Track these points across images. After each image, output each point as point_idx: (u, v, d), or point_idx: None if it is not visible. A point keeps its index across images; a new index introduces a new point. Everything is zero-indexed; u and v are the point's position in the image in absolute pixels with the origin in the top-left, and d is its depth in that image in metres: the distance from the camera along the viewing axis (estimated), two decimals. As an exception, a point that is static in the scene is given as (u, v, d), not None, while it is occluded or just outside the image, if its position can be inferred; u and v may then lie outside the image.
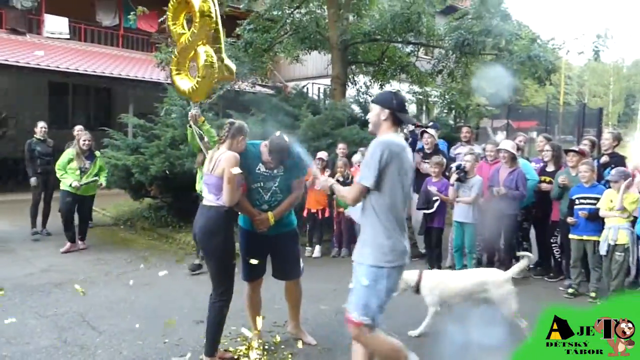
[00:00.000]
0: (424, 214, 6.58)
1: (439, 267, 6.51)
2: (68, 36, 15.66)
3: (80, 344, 4.15)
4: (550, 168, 6.42)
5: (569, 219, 5.70)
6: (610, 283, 5.42)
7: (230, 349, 4.09)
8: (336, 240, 7.41)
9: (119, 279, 5.99)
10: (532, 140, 17.11)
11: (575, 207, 5.69)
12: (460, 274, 4.73)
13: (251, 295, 4.13)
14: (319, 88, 16.36)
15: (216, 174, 3.56)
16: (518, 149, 6.43)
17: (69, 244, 7.25)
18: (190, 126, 5.34)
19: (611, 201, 5.38)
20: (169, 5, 5.17)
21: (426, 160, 7.00)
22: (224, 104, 10.18)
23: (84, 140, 7.32)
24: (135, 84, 13.71)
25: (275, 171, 3.88)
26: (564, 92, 42.72)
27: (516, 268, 4.59)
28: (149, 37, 16.60)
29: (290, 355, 4.03)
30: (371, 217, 3.02)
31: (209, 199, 3.64)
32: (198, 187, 6.08)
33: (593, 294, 5.60)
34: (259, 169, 3.85)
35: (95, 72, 12.92)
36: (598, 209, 5.49)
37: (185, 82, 4.97)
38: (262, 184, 3.86)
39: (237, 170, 3.48)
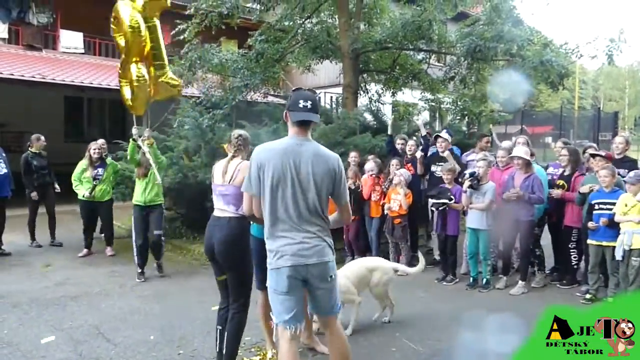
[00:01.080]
0: (439, 220, 6.52)
1: (454, 275, 6.46)
2: (83, 51, 15.88)
3: (96, 356, 4.16)
4: (567, 172, 6.34)
5: (590, 224, 5.62)
6: (627, 288, 5.33)
7: (245, 359, 4.07)
8: (348, 248, 7.41)
9: (133, 291, 6.01)
10: (547, 145, 17.00)
11: (595, 212, 5.61)
12: (356, 262, 5.15)
13: (266, 305, 4.08)
14: (331, 97, 16.38)
15: (236, 183, 3.56)
16: (531, 154, 6.35)
17: (85, 250, 7.70)
18: (134, 140, 6.20)
19: (626, 205, 5.29)
20: (112, 17, 5.58)
21: (440, 163, 6.99)
22: (236, 115, 10.23)
23: (94, 150, 7.64)
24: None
25: None
26: (579, 97, 42.35)
27: (402, 266, 5.46)
28: (162, 50, 16.79)
29: (304, 366, 4.00)
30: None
31: (229, 210, 3.62)
32: (142, 197, 6.49)
33: (611, 300, 5.51)
34: None
35: (109, 85, 13.07)
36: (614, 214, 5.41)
37: (128, 92, 5.37)
38: None
39: None
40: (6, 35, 14.74)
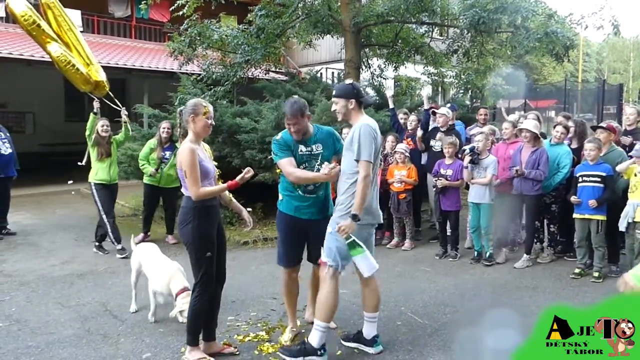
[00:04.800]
0: (438, 198, 6.51)
1: (457, 249, 6.47)
2: (81, 29, 15.67)
3: (103, 332, 4.20)
4: (574, 145, 6.28)
5: (573, 199, 5.61)
6: (633, 261, 5.32)
7: (251, 334, 4.10)
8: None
9: (140, 268, 6.03)
10: (550, 119, 16.87)
11: (579, 184, 5.61)
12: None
13: (287, 282, 4.08)
14: (332, 72, 16.24)
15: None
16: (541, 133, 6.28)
17: (141, 234, 7.12)
18: (94, 114, 6.65)
19: (635, 175, 5.26)
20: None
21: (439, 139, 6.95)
22: (237, 91, 10.15)
23: (164, 128, 7.05)
24: (149, 74, 13.74)
25: (314, 148, 3.84)
26: (582, 70, 41.93)
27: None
28: (162, 27, 16.63)
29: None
30: (353, 187, 3.50)
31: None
32: (108, 176, 6.63)
33: (596, 274, 5.53)
34: (301, 151, 3.81)
35: (109, 63, 12.95)
36: (604, 187, 5.44)
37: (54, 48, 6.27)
38: (306, 164, 3.82)
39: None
40: (3, 14, 14.57)
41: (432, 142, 7.19)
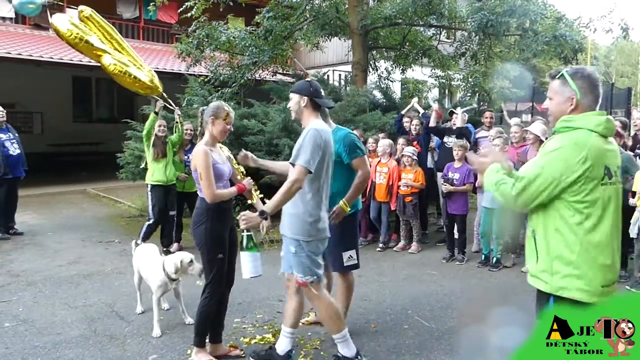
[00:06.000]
0: (446, 201, 6.50)
1: (464, 253, 6.43)
2: (89, 30, 15.79)
3: (110, 334, 4.20)
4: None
5: None
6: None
7: (257, 336, 4.09)
8: (360, 230, 7.40)
9: (146, 269, 6.04)
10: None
11: None
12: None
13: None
14: (339, 75, 16.23)
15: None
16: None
17: (176, 244, 6.94)
18: (156, 113, 6.46)
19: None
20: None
21: (452, 136, 6.98)
22: (244, 93, 10.16)
23: (186, 130, 6.94)
24: (157, 76, 13.75)
25: None
26: (590, 73, 41.65)
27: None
28: (169, 28, 16.67)
29: (318, 342, 4.02)
30: (302, 196, 3.27)
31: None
32: (164, 177, 6.51)
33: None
34: None
35: (117, 64, 13.00)
36: None
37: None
38: None
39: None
40: (13, 15, 14.68)
41: (445, 139, 7.24)
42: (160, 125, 6.58)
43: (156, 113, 6.57)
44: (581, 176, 2.14)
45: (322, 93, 3.46)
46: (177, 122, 6.77)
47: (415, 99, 8.81)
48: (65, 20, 6.04)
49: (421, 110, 8.02)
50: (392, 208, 6.95)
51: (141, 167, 6.73)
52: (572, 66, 2.40)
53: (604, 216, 2.19)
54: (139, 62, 6.48)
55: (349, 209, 3.78)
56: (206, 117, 3.51)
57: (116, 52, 6.27)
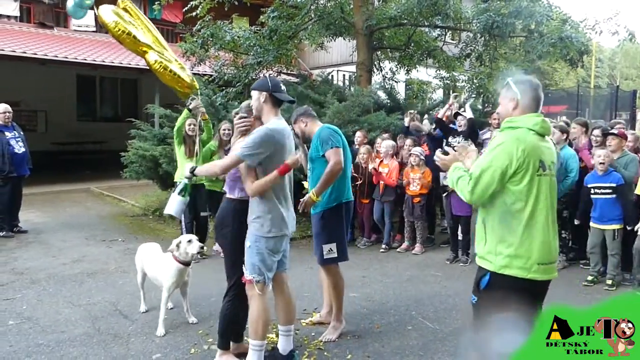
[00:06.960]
0: (449, 202, 6.48)
1: (468, 254, 6.41)
2: (94, 29, 15.81)
3: (114, 332, 4.20)
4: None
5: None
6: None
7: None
8: (361, 229, 7.39)
9: (150, 268, 6.03)
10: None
11: (592, 196, 5.56)
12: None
13: (341, 276, 4.19)
14: (344, 75, 16.21)
15: None
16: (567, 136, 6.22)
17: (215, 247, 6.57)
18: (189, 110, 6.26)
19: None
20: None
21: (454, 141, 6.92)
22: (249, 93, 10.14)
23: (224, 130, 6.57)
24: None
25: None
26: (595, 75, 41.61)
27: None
28: (174, 27, 16.67)
29: (321, 343, 4.01)
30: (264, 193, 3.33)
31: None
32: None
33: (609, 282, 5.46)
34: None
35: (121, 63, 13.04)
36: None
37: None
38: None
39: None
40: (18, 14, 14.72)
41: (450, 139, 7.20)
42: (190, 124, 6.41)
43: (189, 110, 6.28)
44: (521, 166, 2.47)
45: (283, 88, 3.49)
46: (203, 120, 6.48)
47: (453, 95, 8.67)
48: (110, 12, 5.90)
49: (407, 123, 7.89)
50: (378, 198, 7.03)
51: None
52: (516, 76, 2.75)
53: (539, 202, 2.52)
54: (179, 62, 6.40)
55: (319, 199, 3.87)
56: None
57: (159, 47, 6.16)
